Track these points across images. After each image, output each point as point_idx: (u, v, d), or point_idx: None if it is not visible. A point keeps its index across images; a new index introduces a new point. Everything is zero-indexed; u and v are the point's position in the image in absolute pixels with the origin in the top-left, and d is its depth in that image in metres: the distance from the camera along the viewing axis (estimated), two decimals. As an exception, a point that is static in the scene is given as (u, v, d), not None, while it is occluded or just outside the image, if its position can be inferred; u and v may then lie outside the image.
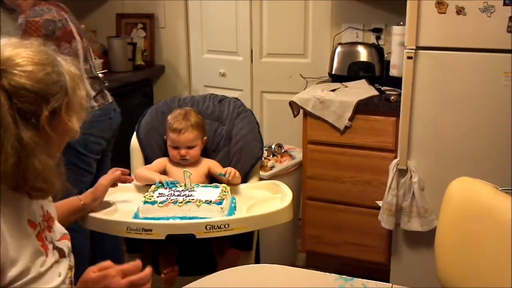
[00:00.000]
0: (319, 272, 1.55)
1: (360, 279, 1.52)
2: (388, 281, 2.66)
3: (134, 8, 3.79)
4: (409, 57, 2.44)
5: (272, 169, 2.83)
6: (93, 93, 2.60)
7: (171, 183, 1.96)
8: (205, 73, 3.78)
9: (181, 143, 2.13)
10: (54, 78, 1.15)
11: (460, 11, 2.33)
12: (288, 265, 2.94)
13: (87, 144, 2.56)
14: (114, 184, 1.91)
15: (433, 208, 2.51)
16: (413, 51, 2.42)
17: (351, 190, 2.80)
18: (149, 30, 3.77)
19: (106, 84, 2.78)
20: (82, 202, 1.79)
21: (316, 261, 3.03)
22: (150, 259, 2.06)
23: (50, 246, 1.28)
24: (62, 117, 1.18)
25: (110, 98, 2.74)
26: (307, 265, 3.08)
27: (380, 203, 2.62)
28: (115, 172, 1.91)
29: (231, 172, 2.05)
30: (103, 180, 1.88)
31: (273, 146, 3.04)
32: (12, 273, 1.10)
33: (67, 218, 1.70)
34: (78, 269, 2.69)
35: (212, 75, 3.73)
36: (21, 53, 1.13)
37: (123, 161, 3.08)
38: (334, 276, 1.53)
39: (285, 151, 3.06)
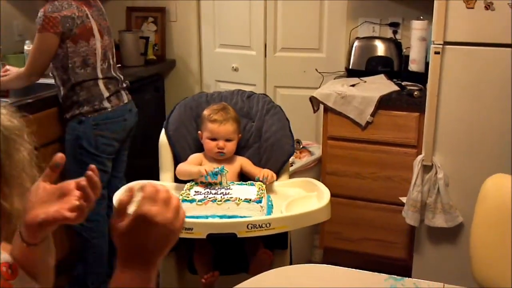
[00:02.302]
0: (368, 272, 1.52)
1: (410, 278, 1.51)
2: (409, 277, 2.67)
3: (145, 2, 3.73)
4: (436, 52, 2.41)
5: (292, 165, 2.80)
6: (106, 94, 2.53)
7: (215, 173, 1.92)
8: (217, 68, 3.74)
9: (221, 135, 2.10)
10: None
11: (488, 6, 2.31)
12: (305, 262, 2.96)
13: (98, 145, 2.50)
14: None
15: (457, 204, 2.51)
16: (441, 46, 2.40)
17: (371, 186, 2.79)
18: (160, 24, 3.71)
19: (125, 85, 2.69)
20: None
21: (334, 257, 3.01)
22: (185, 259, 2.03)
23: None
24: None
25: (126, 99, 2.66)
26: (324, 261, 3.06)
27: (404, 199, 2.61)
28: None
29: (267, 176, 2.03)
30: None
31: (291, 142, 3.01)
32: None
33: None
34: (98, 268, 2.67)
35: (224, 69, 3.69)
36: None
37: (137, 156, 3.06)
38: (384, 276, 1.51)
39: (304, 147, 3.03)
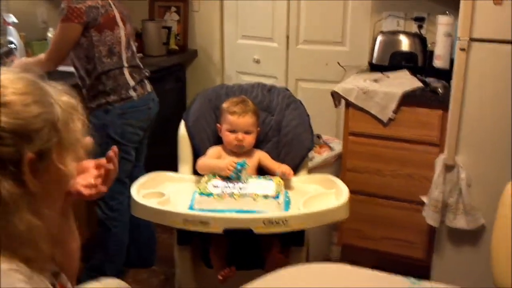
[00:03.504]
0: (385, 273, 1.50)
1: (428, 281, 1.48)
2: (427, 278, 2.63)
3: (168, -9, 3.73)
4: (461, 49, 2.36)
5: (312, 160, 2.78)
6: (132, 83, 2.54)
7: (238, 171, 1.91)
8: (238, 59, 3.72)
9: (240, 127, 2.09)
10: (35, 110, 0.91)
11: (517, 3, 2.25)
12: (322, 258, 2.93)
13: (125, 134, 2.52)
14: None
15: (479, 206, 2.46)
16: (466, 42, 2.34)
17: (392, 184, 2.74)
18: (182, 13, 3.70)
19: (147, 74, 2.70)
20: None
21: (352, 254, 2.99)
22: (201, 252, 2.03)
23: None
24: (53, 160, 0.94)
25: (149, 88, 2.68)
26: (342, 259, 3.04)
27: (424, 198, 2.56)
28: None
29: (285, 172, 2.01)
30: None
31: (312, 136, 2.98)
32: None
33: None
34: (116, 257, 2.69)
35: (246, 61, 3.66)
36: None
37: (157, 145, 3.06)
38: (401, 278, 1.48)
39: (324, 142, 3.00)
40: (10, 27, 2.87)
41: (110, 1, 2.49)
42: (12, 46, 2.86)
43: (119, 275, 2.69)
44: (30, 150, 0.89)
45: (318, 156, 2.85)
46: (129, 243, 2.78)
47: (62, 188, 1.01)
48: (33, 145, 0.90)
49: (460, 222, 2.48)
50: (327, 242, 3.11)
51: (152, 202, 1.77)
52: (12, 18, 2.86)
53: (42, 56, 2.53)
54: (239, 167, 1.93)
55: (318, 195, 1.93)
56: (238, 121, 2.08)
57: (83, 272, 2.72)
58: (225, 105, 2.14)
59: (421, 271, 2.68)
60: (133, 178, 2.49)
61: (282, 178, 1.98)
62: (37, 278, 0.92)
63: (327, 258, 3.03)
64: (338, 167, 2.88)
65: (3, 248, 0.88)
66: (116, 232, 2.61)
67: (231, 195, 1.77)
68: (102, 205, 2.60)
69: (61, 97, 1.00)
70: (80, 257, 1.24)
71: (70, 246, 1.20)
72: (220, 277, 1.86)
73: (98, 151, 2.47)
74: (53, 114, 0.94)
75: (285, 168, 2.03)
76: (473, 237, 2.51)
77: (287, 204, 1.84)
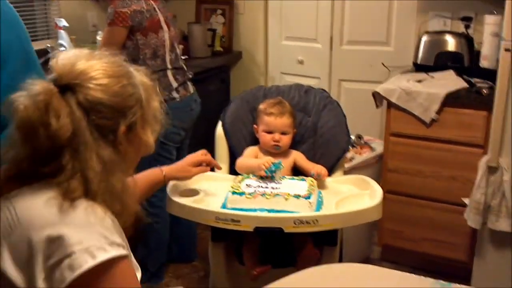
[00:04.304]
0: (414, 275, 1.49)
1: (458, 285, 1.46)
2: (468, 280, 2.59)
3: (214, -6, 3.80)
4: (506, 50, 2.30)
5: (351, 161, 2.77)
6: (175, 85, 2.60)
7: (272, 170, 1.94)
8: (282, 60, 3.74)
9: (277, 127, 2.11)
10: (129, 91, 1.11)
11: None
12: (363, 258, 2.92)
13: (167, 134, 2.57)
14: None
15: (523, 208, 2.39)
16: (511, 43, 2.28)
17: (434, 185, 2.71)
18: (228, 16, 3.76)
19: (190, 75, 2.76)
20: (164, 174, 1.79)
21: (392, 255, 2.97)
22: (234, 249, 2.06)
23: None
24: (138, 131, 1.14)
25: (191, 89, 2.74)
26: (382, 259, 3.02)
27: (466, 200, 2.51)
28: (204, 156, 1.90)
29: (320, 172, 2.02)
30: (191, 157, 1.90)
31: (352, 137, 2.96)
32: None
33: (147, 192, 1.75)
34: (158, 253, 2.75)
35: (290, 62, 3.69)
36: (95, 66, 1.08)
37: (199, 146, 3.11)
38: (431, 280, 1.47)
39: (365, 143, 2.98)
40: (61, 31, 2.99)
41: (155, 5, 2.56)
42: (63, 49, 2.99)
43: (161, 270, 2.77)
44: (124, 123, 1.09)
45: (358, 156, 2.84)
46: (170, 238, 2.85)
47: (141, 155, 1.22)
48: (126, 119, 1.09)
49: (502, 224, 2.42)
50: (368, 242, 3.09)
51: (185, 200, 1.82)
52: (63, 22, 2.99)
53: None
54: (273, 168, 1.95)
55: (352, 196, 1.93)
56: (275, 122, 2.11)
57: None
58: (262, 106, 2.17)
59: (462, 273, 2.63)
60: (175, 177, 2.57)
61: (316, 179, 1.99)
62: (120, 234, 1.09)
63: (367, 258, 3.01)
64: (379, 167, 2.87)
65: (103, 201, 1.05)
66: (157, 228, 2.68)
67: (263, 194, 1.79)
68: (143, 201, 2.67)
69: (142, 78, 1.18)
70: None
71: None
72: (254, 272, 1.89)
73: None
74: (140, 94, 1.13)
75: (319, 169, 2.04)
76: (516, 240, 2.45)
77: (320, 204, 1.85)
